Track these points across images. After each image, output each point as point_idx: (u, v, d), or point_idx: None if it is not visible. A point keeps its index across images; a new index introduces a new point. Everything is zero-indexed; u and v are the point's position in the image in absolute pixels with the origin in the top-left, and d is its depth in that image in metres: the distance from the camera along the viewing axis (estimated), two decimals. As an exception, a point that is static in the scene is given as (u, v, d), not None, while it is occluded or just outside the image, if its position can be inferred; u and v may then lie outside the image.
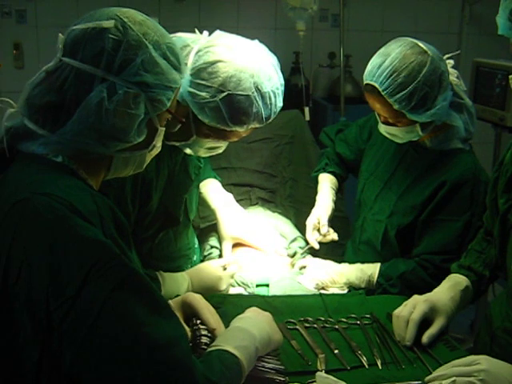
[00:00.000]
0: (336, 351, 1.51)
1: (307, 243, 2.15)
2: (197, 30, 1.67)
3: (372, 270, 1.97)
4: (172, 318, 1.11)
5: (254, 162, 2.67)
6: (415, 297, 1.64)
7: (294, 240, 2.21)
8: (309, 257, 2.12)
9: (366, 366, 1.47)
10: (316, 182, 2.35)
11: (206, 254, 2.12)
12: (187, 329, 1.42)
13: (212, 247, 2.12)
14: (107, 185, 1.30)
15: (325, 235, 2.11)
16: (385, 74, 1.80)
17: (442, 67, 1.83)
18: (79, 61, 1.14)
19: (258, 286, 1.95)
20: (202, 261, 2.09)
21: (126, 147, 1.21)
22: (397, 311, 1.62)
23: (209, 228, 2.22)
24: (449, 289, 1.69)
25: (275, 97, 1.62)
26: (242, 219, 2.13)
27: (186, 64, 1.55)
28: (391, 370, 1.46)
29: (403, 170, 2.03)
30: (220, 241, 2.13)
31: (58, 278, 1.02)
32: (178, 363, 1.05)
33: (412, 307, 1.60)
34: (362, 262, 2.03)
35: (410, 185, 1.98)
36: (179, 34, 1.62)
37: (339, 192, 2.37)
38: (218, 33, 1.65)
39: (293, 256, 2.13)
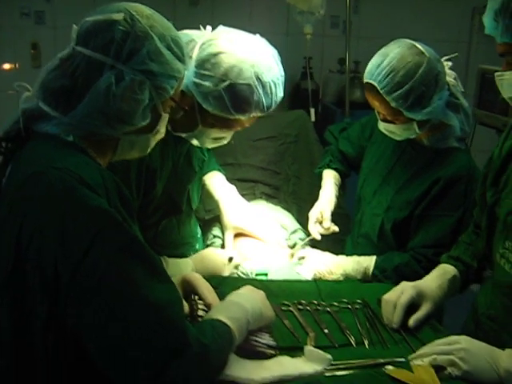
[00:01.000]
0: (326, 330, 1.59)
1: (307, 235, 2.23)
2: (201, 27, 1.77)
3: (368, 262, 2.04)
4: (168, 283, 1.20)
5: (259, 158, 2.76)
6: (404, 283, 1.72)
7: (294, 231, 2.30)
8: (308, 248, 2.21)
9: (354, 345, 1.55)
10: (320, 178, 2.43)
11: (208, 243, 2.21)
12: (186, 304, 1.52)
13: (215, 236, 2.21)
14: (113, 171, 1.40)
15: (328, 228, 2.19)
16: (383, 72, 1.88)
17: (438, 68, 1.90)
18: (91, 49, 1.25)
19: (257, 275, 2.03)
20: (204, 249, 2.18)
21: (132, 130, 1.31)
22: (386, 296, 1.70)
23: (212, 219, 2.31)
24: (437, 277, 1.77)
25: (275, 86, 1.72)
26: (244, 210, 2.22)
27: (191, 57, 1.65)
28: (377, 350, 1.54)
29: (401, 166, 2.11)
30: (222, 230, 2.22)
31: (67, 242, 1.12)
32: (172, 324, 1.15)
33: (400, 292, 1.68)
34: (360, 255, 2.11)
35: (406, 181, 2.06)
36: (185, 31, 1.73)
37: (341, 189, 2.45)
38: (220, 28, 1.76)
39: (293, 247, 2.22)
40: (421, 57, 1.89)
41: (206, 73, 1.66)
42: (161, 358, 1.12)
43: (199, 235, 2.18)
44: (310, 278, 2.03)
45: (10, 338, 1.19)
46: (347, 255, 2.14)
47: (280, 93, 1.75)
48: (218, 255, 1.99)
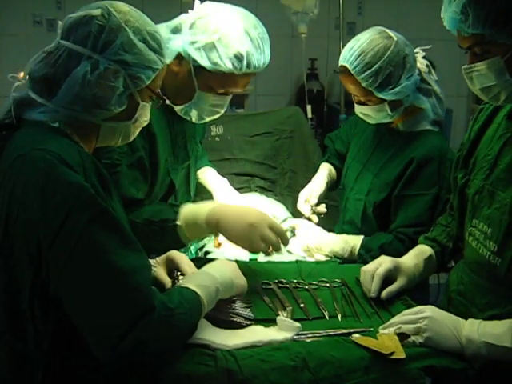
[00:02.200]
0: (302, 305, 1.69)
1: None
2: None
3: (355, 241, 2.14)
4: (137, 251, 1.32)
5: (255, 153, 2.89)
6: (383, 256, 1.82)
7: (284, 220, 2.39)
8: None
9: (327, 318, 1.64)
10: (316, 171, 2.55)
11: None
12: (169, 280, 1.64)
13: (208, 225, 2.32)
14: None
15: (315, 206, 2.32)
16: (354, 54, 2.04)
17: (406, 50, 2.05)
18: (72, 42, 1.38)
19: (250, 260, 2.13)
20: (197, 240, 2.29)
21: (111, 117, 1.43)
22: (365, 267, 1.81)
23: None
24: (414, 256, 1.86)
25: (263, 43, 1.86)
26: (235, 199, 2.34)
27: (182, 23, 1.84)
28: (349, 322, 1.63)
29: (380, 151, 2.23)
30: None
31: (47, 214, 1.25)
32: (138, 288, 1.26)
33: (378, 264, 1.78)
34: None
35: (384, 164, 2.18)
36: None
37: (336, 183, 2.55)
38: (206, 2, 1.93)
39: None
40: (389, 40, 2.04)
41: (200, 29, 1.82)
42: (128, 319, 1.23)
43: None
44: (299, 252, 2.16)
45: (4, 303, 1.33)
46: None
47: (267, 51, 1.89)
48: None
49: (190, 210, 1.81)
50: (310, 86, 4.50)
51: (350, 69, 2.05)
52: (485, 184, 1.62)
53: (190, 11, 1.91)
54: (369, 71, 2.01)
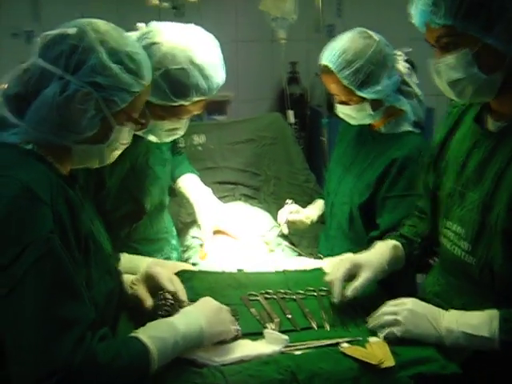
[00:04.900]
0: (289, 316, 1.67)
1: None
2: (138, 24, 1.87)
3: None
4: (78, 300, 1.26)
5: (238, 161, 2.88)
6: (340, 258, 1.83)
7: (270, 229, 2.39)
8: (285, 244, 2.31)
9: (315, 328, 1.63)
10: None
11: (187, 243, 2.31)
12: (149, 298, 1.60)
13: (193, 237, 2.31)
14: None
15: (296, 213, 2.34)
16: (335, 53, 2.05)
17: (386, 50, 2.08)
18: (45, 61, 1.34)
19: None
20: (183, 251, 2.28)
21: (82, 140, 1.38)
22: (326, 277, 1.78)
23: (191, 222, 2.41)
24: (377, 248, 1.83)
25: (214, 68, 1.81)
26: (218, 209, 2.31)
27: None
28: (338, 331, 1.61)
29: (362, 155, 2.23)
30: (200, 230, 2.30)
31: (0, 246, 1.21)
32: (61, 342, 1.19)
33: (337, 267, 1.75)
34: (333, 247, 2.22)
35: (366, 166, 2.18)
36: (125, 34, 1.84)
37: None
38: (153, 23, 1.86)
39: (269, 244, 2.31)
40: (370, 40, 2.06)
41: None
42: (43, 369, 1.17)
43: (175, 233, 2.27)
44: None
45: None
46: (321, 249, 2.25)
47: (221, 75, 1.84)
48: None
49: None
50: (292, 89, 4.50)
51: (331, 67, 2.06)
52: (456, 186, 1.64)
53: (138, 27, 1.85)
54: (350, 69, 2.03)
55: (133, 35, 1.80)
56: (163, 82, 1.75)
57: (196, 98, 1.81)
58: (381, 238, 1.94)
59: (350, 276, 1.73)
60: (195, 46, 1.79)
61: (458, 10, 1.41)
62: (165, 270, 1.66)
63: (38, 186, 1.26)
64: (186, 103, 1.81)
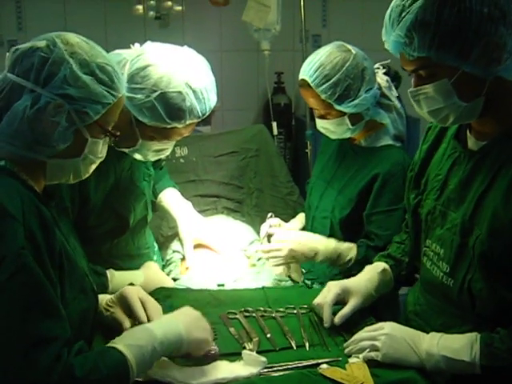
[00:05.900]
0: (268, 335, 1.65)
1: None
2: (131, 45, 1.86)
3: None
4: (54, 317, 1.24)
5: (221, 174, 2.84)
6: (330, 282, 1.79)
7: (251, 242, 2.36)
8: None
9: (294, 348, 1.60)
10: None
11: (168, 258, 2.27)
12: (126, 319, 1.56)
13: (174, 251, 2.28)
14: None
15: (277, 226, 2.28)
16: (313, 68, 2.05)
17: (364, 64, 2.07)
18: (16, 75, 1.32)
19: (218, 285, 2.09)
20: (163, 266, 2.25)
21: (57, 154, 1.36)
22: (314, 300, 1.76)
23: (173, 235, 2.38)
24: (366, 273, 1.83)
25: (207, 92, 1.80)
26: (199, 223, 2.29)
27: (123, 73, 1.70)
28: (317, 351, 1.59)
29: (343, 169, 2.22)
30: (182, 245, 2.27)
31: None
32: (36, 359, 1.18)
33: (327, 292, 1.74)
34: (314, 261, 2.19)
35: (347, 181, 2.17)
36: (117, 51, 1.82)
37: None
38: (148, 43, 1.84)
39: (250, 258, 2.28)
40: (347, 53, 2.06)
41: (137, 86, 1.73)
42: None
43: (156, 248, 2.24)
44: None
45: None
46: (304, 264, 2.22)
47: (213, 98, 1.83)
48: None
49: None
50: (277, 99, 4.50)
51: (309, 81, 2.05)
52: (436, 204, 1.62)
53: (133, 47, 1.84)
54: (327, 83, 2.02)
55: (126, 55, 1.79)
56: (158, 104, 1.73)
57: (189, 121, 1.80)
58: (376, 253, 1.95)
59: (338, 301, 1.73)
60: (190, 70, 1.78)
61: (431, 41, 1.36)
62: (137, 291, 1.60)
63: (9, 202, 1.24)
64: (180, 126, 1.80)
